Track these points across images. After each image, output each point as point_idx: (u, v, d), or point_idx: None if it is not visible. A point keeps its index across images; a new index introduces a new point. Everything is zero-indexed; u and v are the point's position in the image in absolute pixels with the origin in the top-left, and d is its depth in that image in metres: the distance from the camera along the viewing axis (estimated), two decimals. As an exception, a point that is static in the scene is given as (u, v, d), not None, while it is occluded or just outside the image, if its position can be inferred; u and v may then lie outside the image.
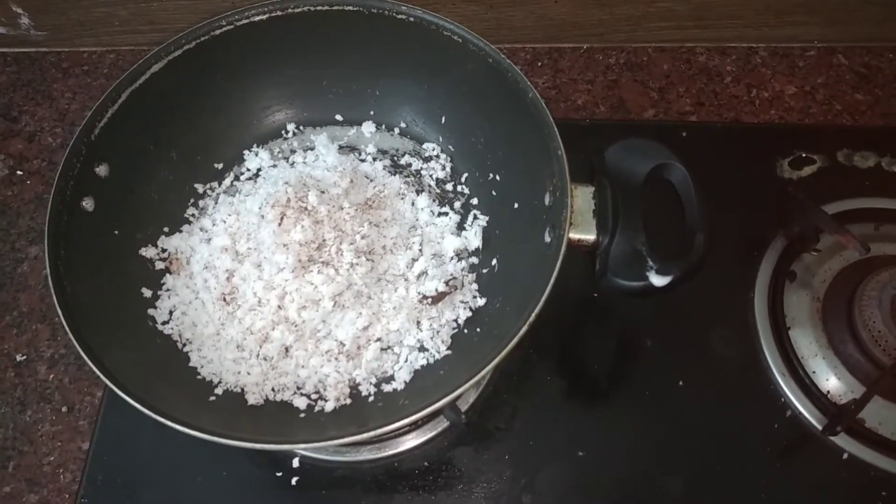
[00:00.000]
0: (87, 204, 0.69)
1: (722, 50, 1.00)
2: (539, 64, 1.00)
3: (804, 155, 0.88)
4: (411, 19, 0.74)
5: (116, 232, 0.72)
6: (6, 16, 0.98)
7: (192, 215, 0.79)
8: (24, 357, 0.83)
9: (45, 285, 0.87)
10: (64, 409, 0.80)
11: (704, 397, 0.76)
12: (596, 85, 0.98)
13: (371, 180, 0.80)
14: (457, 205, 0.80)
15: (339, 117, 0.84)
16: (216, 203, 0.79)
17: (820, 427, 0.72)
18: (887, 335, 0.72)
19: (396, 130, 0.84)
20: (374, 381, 0.70)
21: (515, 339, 0.58)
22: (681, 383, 0.76)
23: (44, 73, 1.02)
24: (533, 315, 0.59)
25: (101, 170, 0.70)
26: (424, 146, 0.83)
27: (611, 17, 0.96)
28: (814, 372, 0.75)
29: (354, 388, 0.70)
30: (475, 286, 0.74)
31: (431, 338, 0.71)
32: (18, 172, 0.95)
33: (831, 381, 0.75)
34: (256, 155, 0.82)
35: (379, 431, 0.57)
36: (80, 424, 0.79)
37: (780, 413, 0.74)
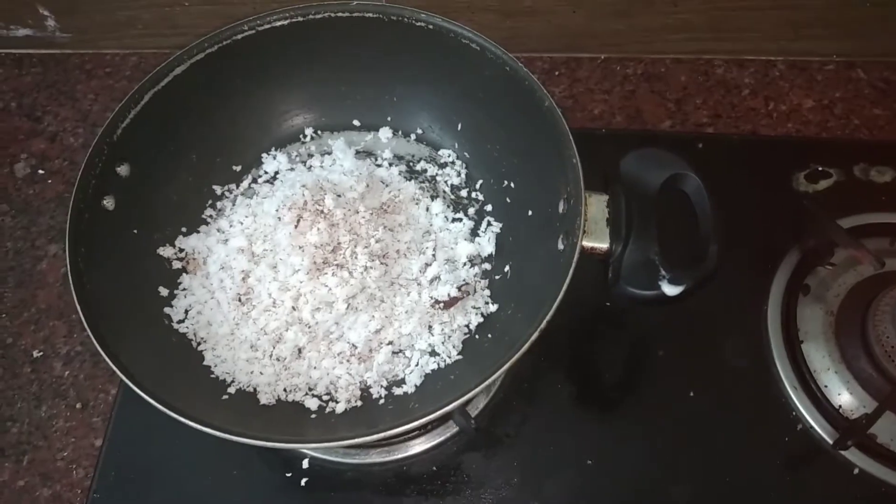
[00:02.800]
0: (108, 203, 0.70)
1: (740, 62, 1.00)
2: (556, 73, 1.00)
3: (820, 168, 0.88)
4: (430, 27, 0.74)
5: (135, 231, 0.73)
6: (33, 18, 1.00)
7: (210, 216, 0.80)
8: (41, 353, 0.84)
9: (62, 283, 0.88)
10: (78, 405, 0.81)
11: (715, 408, 0.76)
12: (613, 95, 0.98)
13: (387, 185, 0.80)
14: (471, 211, 0.80)
15: (356, 122, 0.85)
16: (234, 205, 0.80)
17: (831, 441, 0.72)
18: (901, 350, 0.71)
19: (413, 136, 0.85)
20: (385, 383, 0.70)
21: (527, 345, 0.59)
22: (692, 394, 0.76)
23: (67, 75, 1.04)
24: (544, 322, 0.59)
25: (123, 170, 0.71)
26: (440, 152, 0.83)
27: (629, 28, 0.97)
28: (826, 386, 0.75)
29: (365, 390, 0.70)
30: (487, 292, 0.75)
31: (443, 342, 0.71)
32: (40, 171, 0.96)
33: (843, 396, 0.74)
34: (274, 158, 0.83)
35: (389, 433, 0.58)
36: (94, 421, 0.80)
37: (791, 426, 0.74)
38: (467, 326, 0.73)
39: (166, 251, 0.76)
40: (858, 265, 0.79)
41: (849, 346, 0.75)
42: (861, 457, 0.72)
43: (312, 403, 0.69)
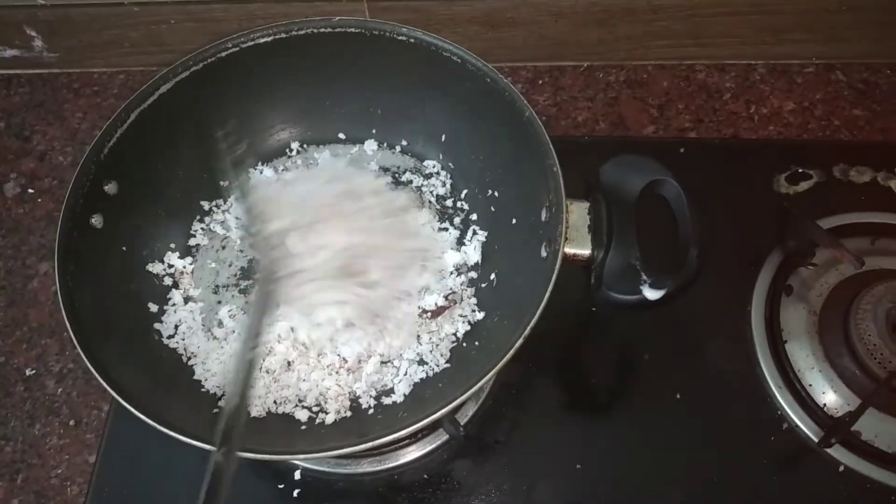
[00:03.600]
0: (96, 221, 0.70)
1: (721, 67, 1.01)
2: (540, 82, 1.01)
3: (800, 170, 0.89)
4: (412, 40, 0.75)
5: (124, 248, 0.74)
6: (20, 38, 1.01)
7: (198, 231, 0.80)
8: (34, 371, 0.84)
9: (54, 301, 0.89)
10: (72, 422, 0.81)
11: (701, 410, 0.76)
12: (596, 102, 0.99)
13: (373, 197, 0.81)
14: (456, 220, 0.81)
15: (341, 136, 0.86)
16: (221, 220, 0.81)
17: (816, 439, 0.73)
18: (882, 348, 0.72)
19: (398, 148, 0.85)
20: (374, 393, 0.71)
21: (511, 352, 0.59)
22: (678, 396, 0.77)
23: (55, 94, 1.05)
24: (528, 328, 0.60)
25: (110, 188, 0.72)
26: (425, 163, 0.84)
27: (611, 35, 0.98)
28: (810, 385, 0.76)
29: (355, 400, 0.71)
30: (474, 300, 0.75)
31: (431, 351, 0.72)
32: (30, 191, 0.97)
33: (827, 394, 0.75)
34: (261, 172, 0.84)
35: (378, 442, 0.58)
36: (88, 438, 0.80)
37: (776, 425, 0.75)
38: (455, 335, 0.73)
39: (155, 267, 0.76)
40: (840, 265, 0.80)
41: (832, 344, 0.76)
42: (846, 454, 0.72)
43: (302, 415, 0.69)
